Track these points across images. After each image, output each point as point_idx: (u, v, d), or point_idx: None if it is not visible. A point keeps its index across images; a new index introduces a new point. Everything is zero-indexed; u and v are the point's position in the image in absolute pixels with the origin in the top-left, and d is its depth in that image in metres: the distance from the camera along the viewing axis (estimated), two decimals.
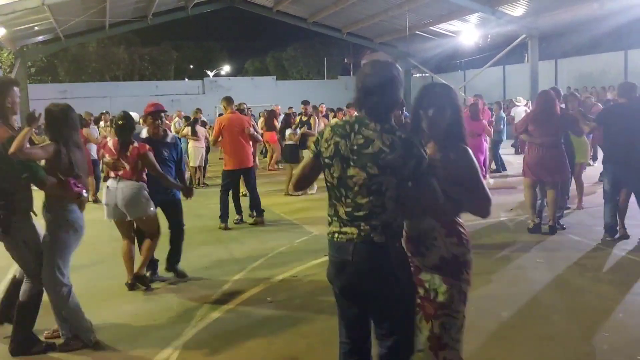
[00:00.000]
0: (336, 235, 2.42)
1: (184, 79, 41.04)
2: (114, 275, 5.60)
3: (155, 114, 5.37)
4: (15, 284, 4.02)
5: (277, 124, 13.86)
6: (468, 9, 18.54)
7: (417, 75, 31.69)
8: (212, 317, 4.40)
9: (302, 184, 2.63)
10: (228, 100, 7.89)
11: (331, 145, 2.39)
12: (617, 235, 6.16)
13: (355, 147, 2.34)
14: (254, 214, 7.94)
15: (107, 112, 16.00)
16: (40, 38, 22.24)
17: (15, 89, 3.81)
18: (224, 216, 7.63)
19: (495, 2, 17.65)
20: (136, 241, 5.26)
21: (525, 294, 4.60)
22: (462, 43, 21.98)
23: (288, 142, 10.57)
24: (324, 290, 4.90)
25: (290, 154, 10.18)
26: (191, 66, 48.40)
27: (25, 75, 23.08)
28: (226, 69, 48.27)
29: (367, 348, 2.59)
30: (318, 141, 2.47)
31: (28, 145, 3.56)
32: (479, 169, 2.55)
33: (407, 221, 2.53)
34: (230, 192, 7.79)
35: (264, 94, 29.57)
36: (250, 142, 7.86)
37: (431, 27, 21.82)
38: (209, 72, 42.73)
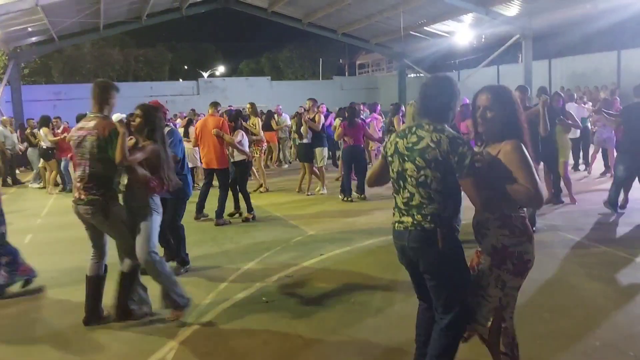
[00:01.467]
0: (396, 224, 2.86)
1: (178, 80, 40.91)
2: (110, 275, 5.61)
3: None
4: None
5: (275, 124, 14.38)
6: (462, 10, 18.62)
7: (412, 75, 31.73)
8: (207, 317, 4.41)
9: (372, 181, 3.13)
10: (211, 105, 8.30)
11: (392, 145, 2.86)
12: (618, 209, 7.30)
13: (409, 145, 2.75)
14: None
15: None
16: (33, 39, 22.16)
17: (117, 92, 4.23)
18: (198, 208, 8.17)
19: (489, 3, 17.73)
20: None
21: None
22: (457, 43, 22.06)
23: (302, 140, 10.63)
24: (320, 289, 4.93)
25: (305, 153, 10.30)
26: (185, 67, 48.26)
27: (19, 77, 23.01)
28: (221, 69, 48.14)
29: None
30: (386, 144, 2.95)
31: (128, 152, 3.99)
32: (530, 164, 2.66)
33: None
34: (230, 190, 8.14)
35: (259, 94, 29.49)
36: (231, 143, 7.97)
37: (425, 28, 21.90)
38: (203, 73, 42.64)
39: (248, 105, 11.34)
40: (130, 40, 40.72)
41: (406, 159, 2.76)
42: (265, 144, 11.18)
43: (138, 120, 4.23)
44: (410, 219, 2.76)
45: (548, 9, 17.40)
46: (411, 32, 22.31)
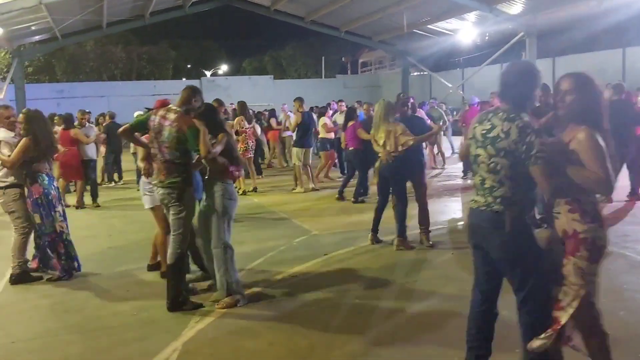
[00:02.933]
0: (472, 202, 3.01)
1: (182, 79, 40.96)
2: (113, 276, 5.61)
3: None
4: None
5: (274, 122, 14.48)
6: (466, 7, 18.53)
7: (415, 73, 31.64)
8: (211, 317, 4.38)
9: (462, 156, 3.32)
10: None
11: (472, 130, 2.99)
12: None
13: (484, 132, 2.89)
14: None
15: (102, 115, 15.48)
16: (37, 37, 22.18)
17: (200, 97, 4.75)
18: None
19: (493, 0, 17.65)
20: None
21: None
22: (460, 41, 21.97)
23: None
24: (324, 290, 4.90)
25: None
26: (189, 65, 48.29)
27: (23, 75, 23.02)
28: (224, 68, 48.16)
29: (495, 298, 3.07)
30: (471, 127, 3.07)
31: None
32: (602, 151, 2.69)
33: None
34: None
35: (262, 93, 29.52)
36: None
37: (429, 25, 21.81)
38: (206, 72, 42.65)
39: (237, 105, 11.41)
40: (133, 38, 40.75)
41: (480, 145, 2.90)
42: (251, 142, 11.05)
43: (203, 119, 4.56)
44: (483, 200, 2.91)
45: (552, 6, 17.29)
46: (415, 30, 22.22)
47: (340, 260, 5.80)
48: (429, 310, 4.36)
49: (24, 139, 5.30)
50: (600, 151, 2.69)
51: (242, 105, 11.14)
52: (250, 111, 11.94)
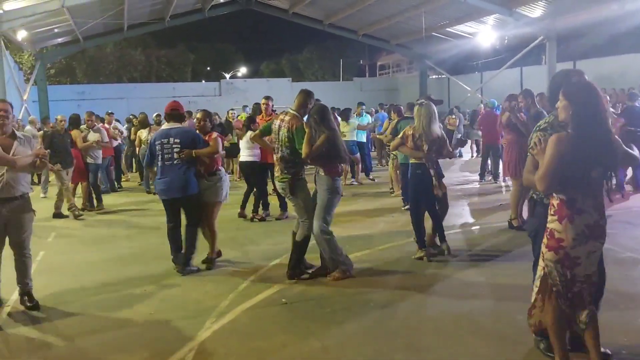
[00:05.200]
0: None
1: (200, 81, 41.26)
2: (129, 275, 5.67)
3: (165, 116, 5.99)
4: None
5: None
6: (485, 11, 18.41)
7: (434, 76, 31.46)
8: (227, 317, 4.42)
9: None
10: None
11: None
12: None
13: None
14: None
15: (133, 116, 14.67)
16: (59, 40, 22.58)
17: (314, 99, 5.30)
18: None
19: (513, 4, 17.51)
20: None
21: None
22: (479, 44, 21.84)
23: None
24: (338, 292, 4.90)
25: None
26: (208, 68, 48.65)
27: (45, 77, 23.45)
28: (242, 70, 48.42)
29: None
30: None
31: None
32: (551, 155, 3.02)
33: None
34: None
35: (280, 95, 29.54)
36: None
37: (448, 29, 21.72)
38: (225, 74, 42.92)
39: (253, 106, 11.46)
40: (152, 41, 41.17)
41: None
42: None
43: (312, 119, 5.04)
44: None
45: (573, 9, 17.09)
46: (433, 33, 22.13)
47: (355, 263, 5.77)
48: (442, 315, 4.33)
49: None
50: (549, 153, 2.95)
51: (254, 108, 11.20)
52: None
